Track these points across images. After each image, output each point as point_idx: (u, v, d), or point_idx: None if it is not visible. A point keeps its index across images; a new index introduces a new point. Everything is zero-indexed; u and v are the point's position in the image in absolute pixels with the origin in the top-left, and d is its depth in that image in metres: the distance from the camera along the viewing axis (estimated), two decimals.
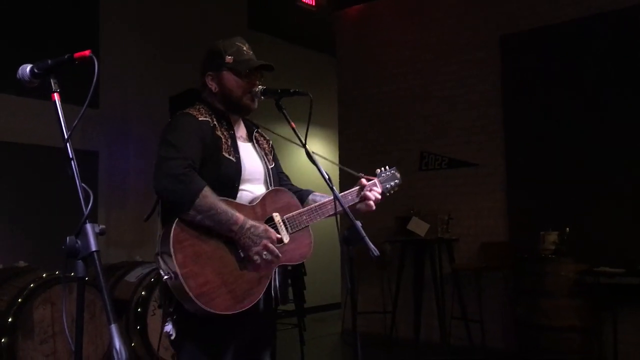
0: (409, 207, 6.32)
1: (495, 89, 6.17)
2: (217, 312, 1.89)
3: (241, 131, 2.28)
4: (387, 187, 2.44)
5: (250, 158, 2.21)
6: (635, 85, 5.28)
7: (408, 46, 6.93)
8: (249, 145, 2.27)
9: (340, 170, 7.10)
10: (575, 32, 5.64)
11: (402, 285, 6.33)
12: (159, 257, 1.94)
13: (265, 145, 2.36)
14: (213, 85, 2.21)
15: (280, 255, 2.02)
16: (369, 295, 6.77)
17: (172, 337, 2.02)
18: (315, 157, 2.09)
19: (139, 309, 4.43)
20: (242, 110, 2.24)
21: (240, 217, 1.97)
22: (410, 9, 6.98)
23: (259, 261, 1.99)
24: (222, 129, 2.16)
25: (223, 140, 2.12)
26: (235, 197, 2.10)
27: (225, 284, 1.94)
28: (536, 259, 5.23)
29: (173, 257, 1.87)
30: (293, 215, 2.14)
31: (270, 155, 2.34)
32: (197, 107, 2.19)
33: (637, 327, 5.07)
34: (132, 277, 4.71)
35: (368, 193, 2.28)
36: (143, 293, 4.47)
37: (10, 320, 3.71)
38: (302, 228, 2.16)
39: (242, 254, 1.99)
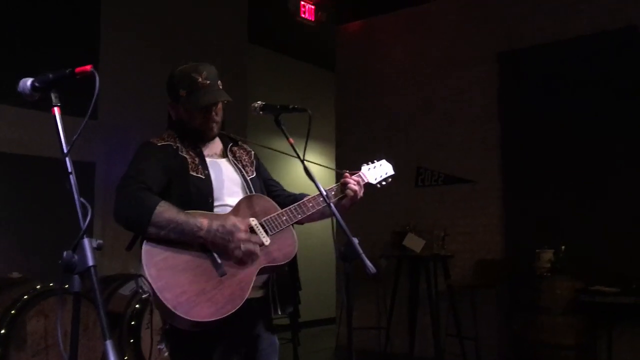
0: (405, 223, 6.32)
1: (493, 105, 6.20)
2: (200, 320, 1.88)
3: (214, 148, 2.28)
4: (376, 179, 2.44)
5: (223, 173, 2.20)
6: (632, 103, 5.31)
7: (407, 62, 6.98)
8: (223, 160, 2.26)
9: (337, 178, 7.08)
10: (573, 49, 5.69)
11: (397, 301, 6.31)
12: (140, 278, 1.96)
13: (245, 157, 2.34)
14: (174, 115, 2.24)
15: (260, 241, 2.03)
16: (363, 311, 6.75)
17: (166, 354, 2.02)
18: (312, 173, 2.10)
19: (132, 322, 4.39)
20: (202, 139, 2.25)
21: (204, 221, 1.97)
22: (410, 25, 7.03)
23: (241, 255, 1.98)
24: (188, 150, 2.17)
25: (189, 160, 2.13)
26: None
27: (204, 292, 1.93)
28: (531, 276, 5.23)
29: (147, 273, 1.89)
30: (271, 217, 2.12)
31: (250, 166, 2.32)
32: (163, 133, 2.23)
33: (631, 346, 5.06)
34: (126, 290, 4.67)
35: (350, 185, 2.27)
36: (137, 306, 4.43)
37: (3, 331, 3.68)
38: (284, 229, 2.13)
39: (219, 260, 1.98)
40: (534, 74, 5.94)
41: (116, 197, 1.99)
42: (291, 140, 2.12)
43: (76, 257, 1.39)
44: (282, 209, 2.19)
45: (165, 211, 1.94)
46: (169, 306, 1.86)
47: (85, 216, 1.42)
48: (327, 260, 7.69)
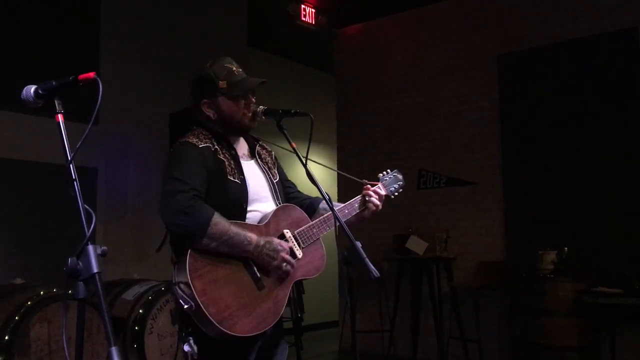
0: (407, 226, 6.32)
1: (493, 108, 6.21)
2: (242, 335, 1.92)
3: (243, 148, 2.29)
4: (391, 190, 2.47)
5: (254, 177, 2.21)
6: (633, 105, 5.32)
7: (407, 64, 6.98)
8: (252, 162, 2.27)
9: (339, 180, 7.11)
10: (571, 52, 5.70)
11: (400, 303, 6.31)
12: (177, 287, 1.94)
13: (269, 159, 2.36)
14: (211, 112, 2.19)
15: (295, 264, 2.06)
16: (366, 314, 6.74)
17: (195, 357, 2.03)
18: (315, 178, 2.10)
19: (136, 327, 4.40)
20: (243, 131, 2.25)
21: (253, 236, 2.01)
22: (409, 28, 7.04)
23: (280, 273, 2.03)
24: (224, 152, 2.16)
25: (226, 163, 2.13)
26: (244, 219, 2.10)
27: (245, 306, 1.96)
28: (534, 278, 5.23)
29: (192, 285, 1.88)
30: (303, 230, 2.17)
31: (274, 168, 2.34)
32: (196, 132, 2.17)
33: (635, 347, 5.06)
34: (130, 295, 4.68)
35: (372, 199, 2.32)
36: (140, 311, 4.44)
37: (6, 338, 3.68)
38: (314, 241, 2.17)
39: (258, 274, 2.02)
40: (534, 76, 5.95)
41: (168, 202, 1.96)
42: (294, 144, 2.12)
43: (81, 263, 1.39)
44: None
45: (219, 223, 1.95)
46: (214, 321, 1.88)
47: (89, 223, 1.42)
48: (329, 264, 7.66)
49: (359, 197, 2.35)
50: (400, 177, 2.53)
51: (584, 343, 4.92)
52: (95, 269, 1.38)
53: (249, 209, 2.13)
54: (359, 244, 1.93)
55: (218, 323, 1.88)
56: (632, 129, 5.31)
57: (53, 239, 4.94)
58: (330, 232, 2.26)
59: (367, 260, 1.88)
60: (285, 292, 2.07)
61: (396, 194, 2.51)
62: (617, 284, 4.90)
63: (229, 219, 2.02)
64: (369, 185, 2.36)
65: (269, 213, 2.14)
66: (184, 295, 1.91)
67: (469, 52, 6.44)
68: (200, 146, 2.11)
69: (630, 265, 5.06)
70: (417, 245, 6.06)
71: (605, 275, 5.05)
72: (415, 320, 6.29)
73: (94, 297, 1.40)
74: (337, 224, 2.12)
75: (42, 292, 4.02)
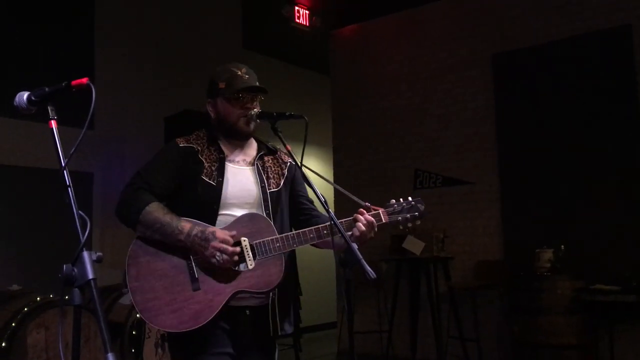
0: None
1: (488, 107, 6.21)
2: (161, 329, 2.04)
3: (246, 155, 2.26)
4: (398, 219, 2.21)
5: (240, 182, 2.18)
6: (627, 102, 5.33)
7: (402, 65, 6.99)
8: (247, 169, 2.23)
9: (335, 190, 7.09)
10: (566, 50, 5.71)
11: (398, 304, 6.30)
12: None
13: (274, 168, 2.29)
14: (212, 112, 2.25)
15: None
16: (364, 315, 6.74)
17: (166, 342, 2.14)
18: (310, 180, 2.09)
19: (133, 332, 4.39)
20: (239, 135, 2.23)
21: (186, 225, 2.03)
22: (404, 28, 7.05)
23: (217, 264, 2.00)
24: (210, 154, 2.18)
25: (205, 164, 2.15)
26: (214, 220, 2.10)
27: (174, 302, 2.00)
28: (532, 276, 5.23)
29: (126, 270, 2.01)
30: (264, 241, 2.07)
31: (278, 178, 2.26)
32: (196, 132, 2.26)
33: (633, 344, 5.06)
34: (127, 299, 4.66)
35: (358, 224, 2.09)
36: (138, 316, 4.43)
37: (3, 344, 3.67)
38: (274, 255, 2.07)
39: (196, 275, 2.03)
40: (528, 75, 5.96)
41: (121, 192, 2.12)
42: (289, 147, 2.12)
43: (76, 270, 1.39)
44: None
45: (154, 212, 2.03)
46: (137, 309, 2.00)
47: (84, 229, 1.42)
48: (327, 265, 7.68)
49: (345, 220, 2.14)
50: (420, 206, 2.26)
51: (582, 341, 4.93)
52: (90, 276, 1.38)
53: (222, 212, 2.11)
54: (355, 246, 1.91)
55: (140, 311, 1.99)
56: (627, 126, 5.32)
57: (49, 245, 4.93)
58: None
59: (363, 261, 1.85)
60: (221, 298, 2.01)
61: (409, 224, 2.23)
62: (614, 282, 4.90)
63: (199, 219, 2.06)
64: (362, 210, 2.14)
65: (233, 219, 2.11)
66: (126, 282, 2.03)
67: (464, 51, 6.45)
68: (181, 145, 2.19)
69: (627, 262, 5.08)
70: (413, 246, 6.06)
71: (603, 273, 5.06)
72: (413, 320, 6.29)
73: (91, 302, 1.40)
74: (326, 237, 2.10)
75: (38, 299, 4.02)
